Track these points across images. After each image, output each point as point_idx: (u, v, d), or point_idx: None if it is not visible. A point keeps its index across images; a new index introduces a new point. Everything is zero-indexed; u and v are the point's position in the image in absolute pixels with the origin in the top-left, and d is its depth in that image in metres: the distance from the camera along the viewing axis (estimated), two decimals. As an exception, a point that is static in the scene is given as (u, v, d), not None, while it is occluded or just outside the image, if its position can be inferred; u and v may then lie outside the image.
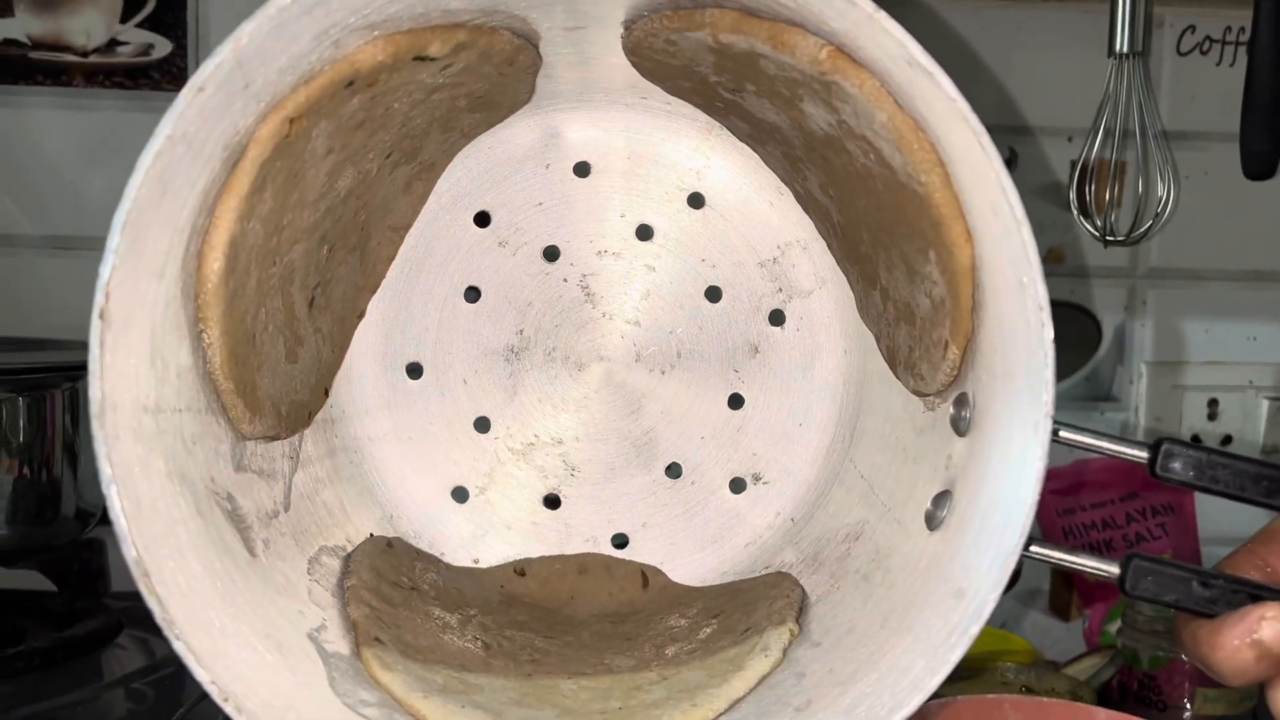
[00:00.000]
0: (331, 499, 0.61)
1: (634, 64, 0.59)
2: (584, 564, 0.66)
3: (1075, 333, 1.15)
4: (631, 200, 0.66)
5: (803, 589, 0.59)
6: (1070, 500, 1.10)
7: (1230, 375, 1.16)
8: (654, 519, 0.67)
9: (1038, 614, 1.11)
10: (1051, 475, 1.16)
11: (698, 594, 0.64)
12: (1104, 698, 0.88)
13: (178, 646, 0.45)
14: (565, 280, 0.66)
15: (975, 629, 0.46)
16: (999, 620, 1.07)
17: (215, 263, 0.49)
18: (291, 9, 0.44)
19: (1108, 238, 1.05)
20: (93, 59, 1.04)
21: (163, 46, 1.04)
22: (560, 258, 0.66)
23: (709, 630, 0.59)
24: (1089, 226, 1.06)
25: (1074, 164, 1.07)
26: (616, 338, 0.66)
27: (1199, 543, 1.10)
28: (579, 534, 0.67)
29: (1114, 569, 0.48)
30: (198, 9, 1.05)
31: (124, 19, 1.04)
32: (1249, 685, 0.46)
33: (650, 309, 0.66)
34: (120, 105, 1.05)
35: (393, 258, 0.65)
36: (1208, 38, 1.14)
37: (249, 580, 0.51)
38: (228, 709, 0.46)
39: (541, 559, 0.66)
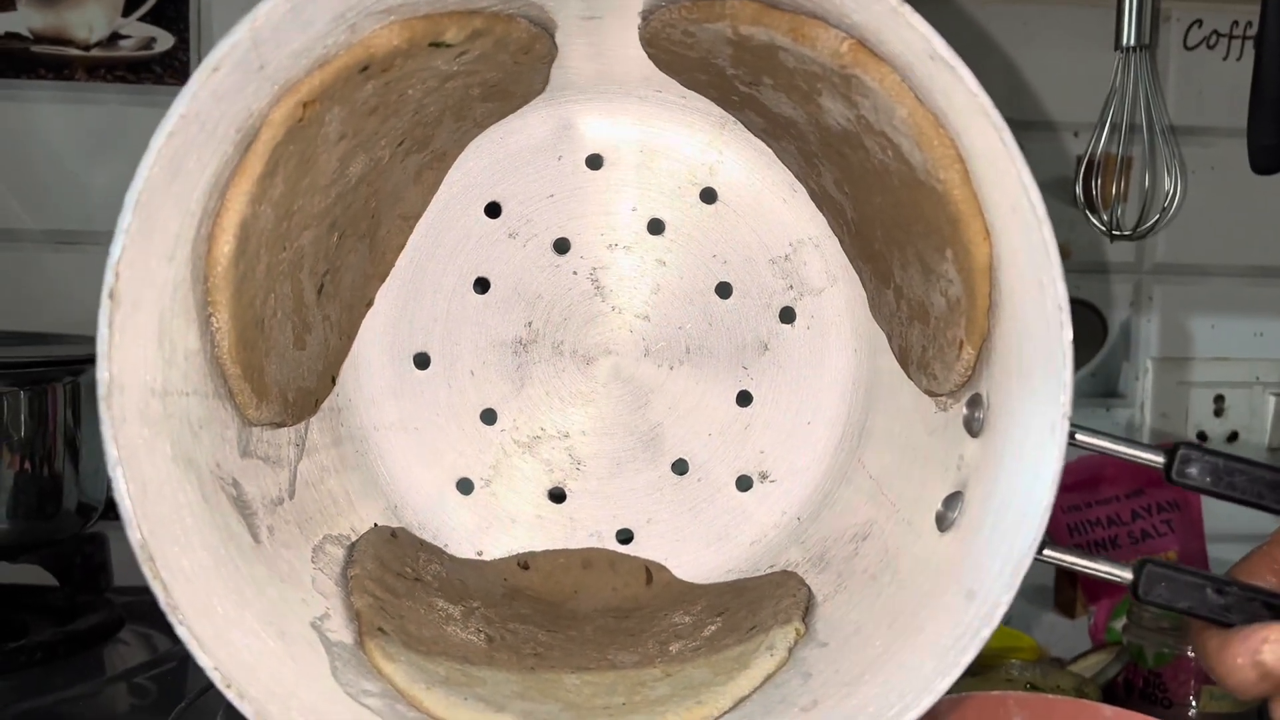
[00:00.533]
0: (337, 488, 0.61)
1: (650, 55, 0.58)
2: (588, 559, 0.66)
3: (1081, 328, 1.14)
4: (644, 194, 0.65)
5: (809, 588, 0.59)
6: (1076, 497, 1.09)
7: (1237, 371, 1.16)
8: (659, 515, 0.66)
9: (1042, 611, 1.11)
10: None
11: (702, 591, 0.64)
12: (1109, 694, 0.87)
13: (181, 631, 0.45)
14: (575, 273, 0.65)
15: (986, 632, 0.46)
16: (1004, 617, 1.06)
17: (225, 245, 0.49)
18: None
19: (1114, 232, 1.05)
20: (95, 53, 1.03)
21: (165, 40, 1.04)
22: (570, 250, 0.65)
23: (714, 628, 0.58)
24: (1095, 221, 1.05)
25: (1080, 159, 1.07)
26: (625, 332, 0.66)
27: (1205, 540, 1.09)
28: (584, 528, 0.66)
29: (1127, 574, 0.47)
30: (200, 2, 1.05)
31: (126, 12, 1.04)
32: (1253, 700, 0.46)
33: (660, 304, 0.66)
34: (122, 99, 1.04)
35: (402, 247, 0.64)
36: (1214, 32, 1.13)
37: (253, 567, 0.51)
38: (230, 695, 0.45)
39: (545, 553, 0.66)
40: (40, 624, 0.89)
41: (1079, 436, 0.47)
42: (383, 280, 0.64)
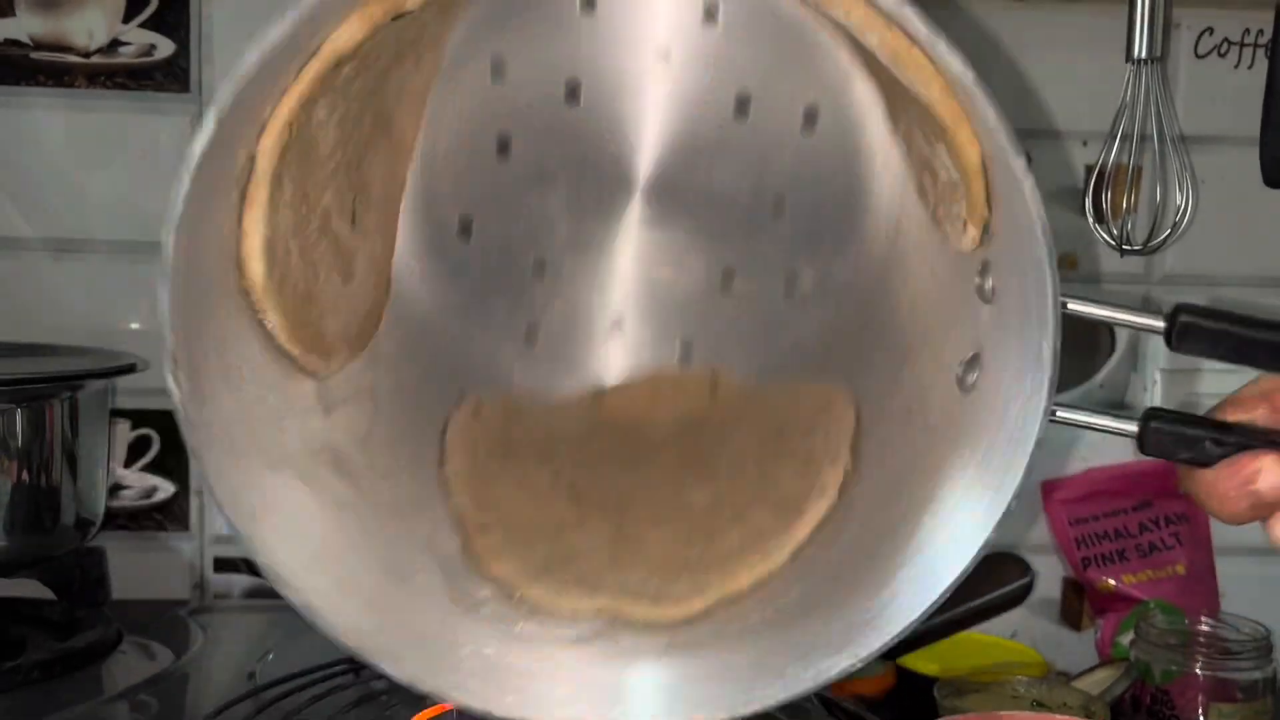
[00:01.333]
0: (409, 383, 0.64)
1: None
2: (655, 384, 0.69)
3: (1088, 339, 1.14)
4: (644, 25, 0.64)
5: (855, 411, 0.62)
6: (1082, 509, 1.09)
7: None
8: (713, 325, 0.69)
9: (1048, 624, 1.10)
10: (1064, 484, 1.14)
11: (761, 400, 0.67)
12: (1116, 712, 0.87)
13: (294, 600, 0.50)
14: (590, 116, 0.65)
15: (1021, 465, 0.48)
16: (1009, 631, 1.07)
17: (258, 267, 0.52)
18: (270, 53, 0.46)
19: (1124, 247, 1.03)
20: (95, 59, 1.02)
21: (165, 47, 1.01)
22: (582, 92, 0.65)
23: (773, 447, 0.62)
24: (1104, 233, 1.05)
25: (1089, 169, 1.04)
26: (650, 163, 0.66)
27: (1213, 554, 1.09)
28: (647, 350, 0.69)
29: (1132, 428, 0.50)
30: (200, 9, 1.01)
31: (126, 19, 1.02)
32: (1247, 523, 0.50)
33: (676, 131, 0.65)
34: (122, 106, 1.03)
35: (419, 123, 0.64)
36: (1226, 40, 1.07)
37: (363, 521, 0.56)
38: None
39: (616, 387, 0.69)
40: (38, 639, 0.90)
41: (1071, 305, 0.49)
42: (408, 159, 0.65)
